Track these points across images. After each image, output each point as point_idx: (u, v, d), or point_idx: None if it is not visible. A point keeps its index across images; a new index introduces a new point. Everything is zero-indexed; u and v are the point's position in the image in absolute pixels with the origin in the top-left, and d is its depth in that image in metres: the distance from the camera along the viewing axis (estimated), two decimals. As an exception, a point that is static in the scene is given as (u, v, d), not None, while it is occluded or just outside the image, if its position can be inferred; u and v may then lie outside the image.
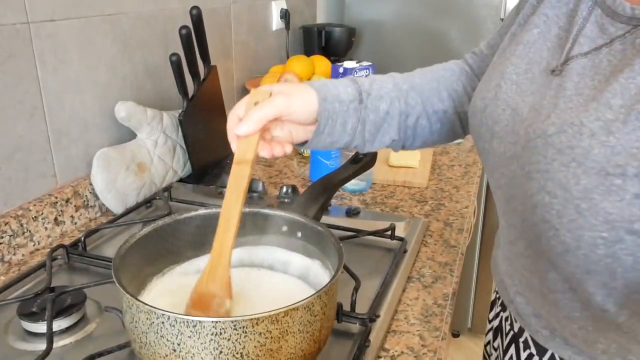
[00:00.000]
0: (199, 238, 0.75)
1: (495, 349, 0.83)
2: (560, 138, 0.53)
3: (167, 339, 0.54)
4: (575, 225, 0.52)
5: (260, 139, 0.65)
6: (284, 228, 0.74)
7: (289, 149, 0.69)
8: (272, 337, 0.54)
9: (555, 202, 0.53)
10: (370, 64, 1.56)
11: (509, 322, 0.77)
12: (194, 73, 1.22)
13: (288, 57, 1.93)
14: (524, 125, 0.59)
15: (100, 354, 0.66)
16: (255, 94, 0.66)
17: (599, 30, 0.58)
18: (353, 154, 0.88)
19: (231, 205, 0.62)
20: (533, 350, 0.70)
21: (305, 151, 1.47)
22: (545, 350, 0.68)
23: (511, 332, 0.76)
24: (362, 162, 0.92)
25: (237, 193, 0.62)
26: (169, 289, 0.72)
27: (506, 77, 0.64)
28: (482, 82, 0.70)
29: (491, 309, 0.88)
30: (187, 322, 0.53)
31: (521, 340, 0.73)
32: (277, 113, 0.64)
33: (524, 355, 0.72)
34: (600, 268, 0.53)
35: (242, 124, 0.62)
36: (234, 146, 0.64)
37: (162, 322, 0.54)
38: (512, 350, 0.75)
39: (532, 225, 0.58)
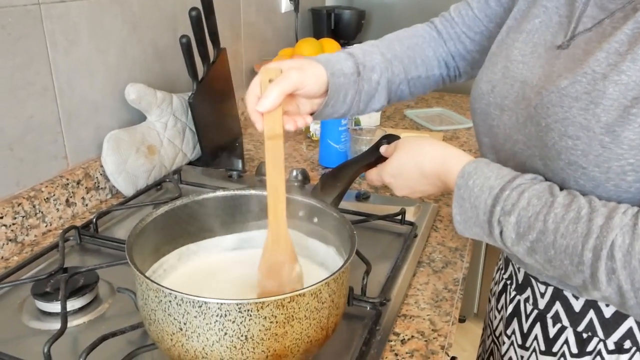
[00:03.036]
0: (215, 219, 0.75)
1: (499, 311, 0.85)
2: (575, 87, 0.58)
3: (174, 318, 0.55)
4: (602, 158, 0.56)
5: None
6: (301, 213, 0.74)
7: (309, 119, 0.73)
8: (277, 322, 0.54)
9: (579, 143, 0.57)
10: (380, 47, 1.55)
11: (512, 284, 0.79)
12: (204, 55, 1.21)
13: (297, 40, 1.91)
14: (534, 90, 0.63)
15: (113, 334, 0.67)
16: (267, 72, 0.68)
17: (599, 10, 0.63)
18: (377, 139, 0.86)
19: (275, 178, 0.66)
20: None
21: (314, 135, 1.47)
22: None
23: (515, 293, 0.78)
24: None
25: (278, 166, 0.65)
26: (185, 268, 0.73)
27: (512, 58, 0.69)
28: (485, 68, 0.74)
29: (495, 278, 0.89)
30: (193, 302, 0.53)
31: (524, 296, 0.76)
32: (294, 87, 0.68)
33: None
34: (631, 195, 0.57)
35: (263, 101, 0.65)
36: (259, 125, 0.67)
37: (170, 301, 0.54)
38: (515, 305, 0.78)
39: (559, 171, 0.61)
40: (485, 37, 0.86)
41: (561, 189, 0.60)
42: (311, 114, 0.76)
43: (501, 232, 0.61)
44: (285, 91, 0.66)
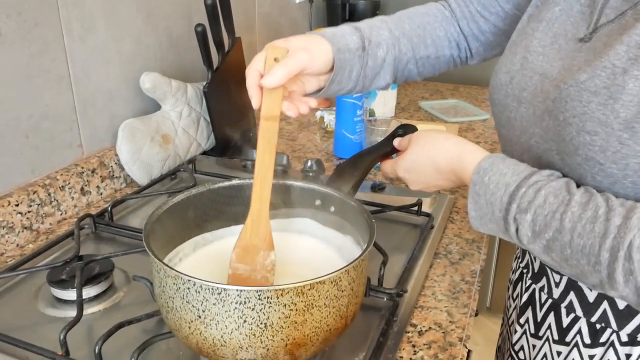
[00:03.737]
0: (231, 208, 0.75)
1: (514, 299, 0.84)
2: (594, 82, 0.56)
3: (193, 305, 0.54)
4: (620, 155, 0.55)
5: (283, 97, 0.66)
6: (317, 202, 0.73)
7: (313, 103, 0.72)
8: (297, 310, 0.54)
9: (597, 139, 0.56)
10: (395, 37, 1.53)
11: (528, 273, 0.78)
12: (219, 44, 1.20)
13: (311, 30, 1.90)
14: (553, 84, 0.62)
15: (129, 322, 0.66)
16: (273, 50, 0.67)
17: (623, 0, 0.60)
18: (392, 130, 0.85)
19: (265, 162, 0.64)
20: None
21: (328, 125, 1.46)
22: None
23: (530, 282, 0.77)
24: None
25: (270, 150, 0.64)
26: (200, 257, 0.73)
27: (531, 49, 0.67)
28: (504, 57, 0.72)
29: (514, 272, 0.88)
30: (212, 289, 0.52)
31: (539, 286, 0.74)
32: (301, 68, 0.67)
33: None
34: None
35: (268, 77, 0.64)
36: (255, 102, 0.65)
37: (188, 288, 0.54)
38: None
39: (576, 166, 0.59)
40: (500, 18, 0.84)
41: (578, 185, 0.59)
42: (318, 91, 0.75)
43: (517, 230, 0.60)
44: (292, 72, 0.65)
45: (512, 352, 0.82)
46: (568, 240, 0.55)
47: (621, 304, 0.64)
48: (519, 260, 0.84)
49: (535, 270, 0.76)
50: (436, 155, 0.71)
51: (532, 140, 0.65)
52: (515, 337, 0.81)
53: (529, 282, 0.78)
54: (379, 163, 0.84)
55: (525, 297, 0.79)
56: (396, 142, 0.81)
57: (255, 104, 0.65)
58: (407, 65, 0.83)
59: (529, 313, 0.78)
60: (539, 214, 0.57)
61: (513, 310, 0.85)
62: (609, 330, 0.66)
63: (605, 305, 0.66)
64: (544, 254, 0.59)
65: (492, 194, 0.61)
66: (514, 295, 0.85)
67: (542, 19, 0.69)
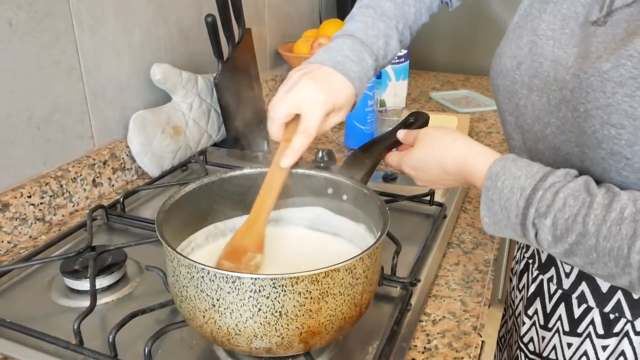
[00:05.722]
0: (243, 197, 0.74)
1: (520, 290, 0.83)
2: (619, 71, 0.53)
3: (207, 294, 0.54)
4: None
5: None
6: (330, 190, 0.73)
7: None
8: (311, 298, 0.53)
9: (623, 132, 0.54)
10: (406, 27, 1.52)
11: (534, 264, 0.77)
12: (229, 35, 1.19)
13: (321, 21, 1.89)
14: (570, 72, 0.59)
15: (143, 311, 0.66)
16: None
17: None
18: (403, 119, 0.84)
19: (275, 175, 0.68)
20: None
21: (339, 117, 1.45)
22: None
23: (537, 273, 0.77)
24: (413, 126, 0.85)
25: (281, 170, 0.68)
26: (213, 246, 0.73)
27: (540, 33, 0.64)
28: (508, 41, 0.70)
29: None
30: (227, 277, 0.52)
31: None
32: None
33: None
34: None
35: (286, 158, 0.69)
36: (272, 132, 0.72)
37: (202, 277, 0.53)
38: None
39: (599, 160, 0.57)
40: None
41: (598, 182, 0.57)
42: None
43: (536, 235, 0.58)
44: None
45: (522, 344, 0.81)
46: (593, 244, 0.53)
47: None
48: (524, 251, 0.82)
49: (543, 261, 0.75)
50: (443, 157, 0.68)
51: (548, 130, 0.63)
52: (523, 329, 0.80)
53: (535, 272, 0.77)
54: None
55: (532, 288, 0.78)
56: (400, 134, 0.78)
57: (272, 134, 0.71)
58: (403, 34, 0.85)
59: (537, 304, 0.77)
60: (559, 218, 0.55)
61: (520, 302, 0.83)
62: (623, 320, 0.65)
63: (619, 295, 0.64)
64: (566, 257, 0.57)
65: (507, 200, 0.59)
66: (520, 286, 0.83)
67: (548, 1, 0.65)
